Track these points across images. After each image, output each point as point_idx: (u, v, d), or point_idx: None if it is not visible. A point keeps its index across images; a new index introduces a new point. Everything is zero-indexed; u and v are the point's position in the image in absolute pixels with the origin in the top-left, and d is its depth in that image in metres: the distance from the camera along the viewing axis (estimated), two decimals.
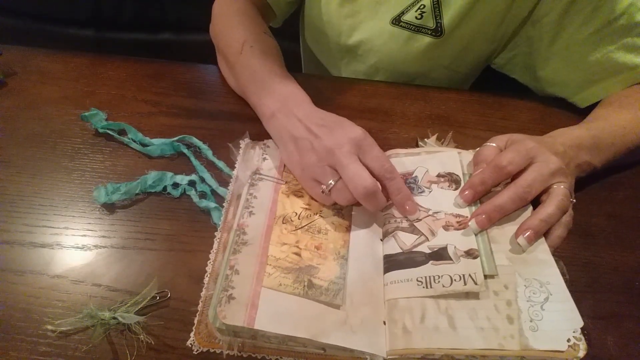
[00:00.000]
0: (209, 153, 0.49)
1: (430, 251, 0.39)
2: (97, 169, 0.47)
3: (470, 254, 0.38)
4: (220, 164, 0.48)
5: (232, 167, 0.47)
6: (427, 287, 0.37)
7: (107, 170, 0.47)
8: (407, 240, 0.41)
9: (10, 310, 0.37)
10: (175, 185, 0.46)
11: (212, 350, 0.34)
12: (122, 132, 0.51)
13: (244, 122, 0.53)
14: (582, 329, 0.34)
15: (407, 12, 0.58)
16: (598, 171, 0.48)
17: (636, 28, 0.50)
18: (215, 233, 0.41)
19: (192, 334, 0.35)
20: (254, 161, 0.47)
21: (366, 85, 0.61)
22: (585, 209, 0.47)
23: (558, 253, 0.40)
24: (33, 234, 0.41)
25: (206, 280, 0.38)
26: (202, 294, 0.37)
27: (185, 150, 0.49)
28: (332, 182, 0.41)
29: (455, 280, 0.37)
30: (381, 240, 0.42)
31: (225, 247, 0.39)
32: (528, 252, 0.39)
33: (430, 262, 0.38)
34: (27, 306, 0.37)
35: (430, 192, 0.44)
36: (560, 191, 0.41)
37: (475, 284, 0.36)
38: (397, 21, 0.59)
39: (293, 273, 0.38)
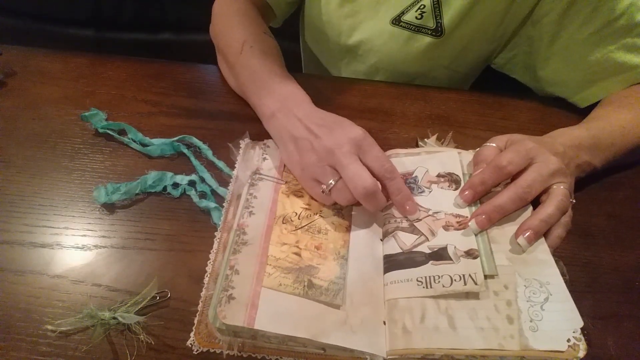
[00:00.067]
0: (209, 153, 0.49)
1: (430, 251, 0.39)
2: (97, 169, 0.47)
3: (470, 254, 0.38)
4: (220, 164, 0.48)
5: (232, 167, 0.47)
6: (427, 287, 0.37)
7: (107, 170, 0.47)
8: (407, 240, 0.41)
9: (10, 310, 0.37)
10: (175, 185, 0.46)
11: (212, 350, 0.34)
12: (122, 132, 0.51)
13: (244, 122, 0.53)
14: (582, 329, 0.34)
15: (407, 12, 0.58)
16: (598, 171, 0.48)
17: (636, 28, 0.50)
18: (215, 233, 0.41)
19: (192, 334, 0.35)
20: (254, 161, 0.47)
21: (366, 85, 0.61)
22: (585, 209, 0.47)
23: (558, 253, 0.40)
24: (33, 234, 0.41)
25: (206, 280, 0.38)
26: (202, 294, 0.37)
27: (185, 150, 0.49)
28: (332, 182, 0.41)
29: (455, 280, 0.37)
30: (381, 240, 0.42)
31: (225, 247, 0.39)
32: (528, 252, 0.39)
33: (430, 262, 0.38)
34: (27, 306, 0.37)
35: (430, 192, 0.44)
36: (560, 191, 0.41)
37: (475, 284, 0.36)
38: (397, 21, 0.59)
39: (293, 273, 0.38)
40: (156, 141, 0.49)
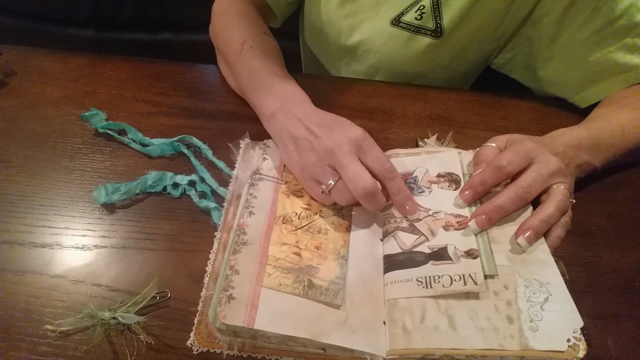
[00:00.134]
0: (209, 153, 0.49)
1: (430, 251, 0.39)
2: (97, 169, 0.47)
3: (470, 254, 0.38)
4: (220, 164, 0.48)
5: (232, 167, 0.47)
6: (427, 287, 0.37)
7: (107, 170, 0.47)
8: (407, 240, 0.41)
9: (10, 310, 0.37)
10: (175, 185, 0.46)
11: (212, 350, 0.34)
12: (122, 132, 0.51)
13: (244, 122, 0.53)
14: (582, 329, 0.34)
15: (406, 12, 0.58)
16: (598, 171, 0.48)
17: (636, 28, 0.50)
18: (215, 233, 0.41)
19: (192, 334, 0.35)
20: (254, 161, 0.47)
21: (366, 85, 0.61)
22: (585, 209, 0.47)
23: (558, 253, 0.40)
24: (33, 234, 0.41)
25: (206, 280, 0.38)
26: (202, 294, 0.37)
27: (185, 150, 0.49)
28: (332, 182, 0.41)
29: (455, 280, 0.37)
30: (381, 240, 0.42)
31: (225, 247, 0.39)
32: (528, 252, 0.39)
33: (430, 262, 0.38)
34: (27, 306, 0.37)
35: (430, 192, 0.44)
36: (560, 192, 0.41)
37: (475, 284, 0.36)
38: (396, 22, 0.59)
39: (293, 273, 0.38)
40: (156, 141, 0.49)
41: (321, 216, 0.43)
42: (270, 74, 0.51)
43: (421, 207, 0.43)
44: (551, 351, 0.33)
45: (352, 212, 0.44)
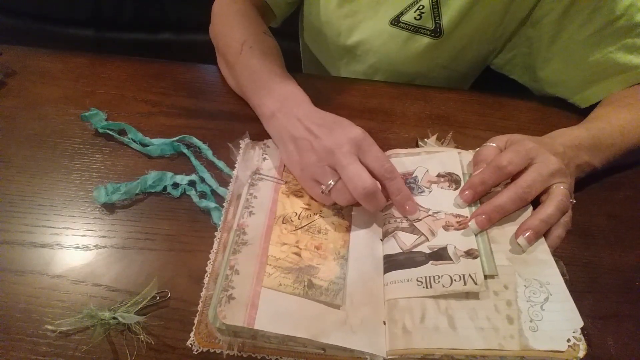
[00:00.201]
0: (209, 153, 0.49)
1: (430, 251, 0.39)
2: (97, 169, 0.47)
3: (470, 254, 0.38)
4: (220, 164, 0.48)
5: (232, 167, 0.47)
6: (427, 287, 0.37)
7: (107, 170, 0.47)
8: (407, 240, 0.41)
9: (10, 310, 0.37)
10: (175, 185, 0.46)
11: (212, 350, 0.34)
12: (122, 132, 0.51)
13: (244, 122, 0.53)
14: (582, 329, 0.34)
15: (406, 12, 0.58)
16: (598, 171, 0.48)
17: (636, 28, 0.50)
18: (215, 233, 0.41)
19: (192, 334, 0.35)
20: (254, 161, 0.47)
21: (366, 85, 0.61)
22: (585, 209, 0.47)
23: (558, 253, 0.40)
24: (33, 234, 0.41)
25: (206, 280, 0.38)
26: (202, 294, 0.37)
27: (185, 150, 0.49)
28: (332, 183, 0.41)
29: (455, 280, 0.37)
30: (381, 240, 0.42)
31: (225, 247, 0.39)
32: (528, 252, 0.39)
33: (430, 262, 0.38)
34: (27, 306, 0.37)
35: (430, 192, 0.44)
36: (560, 192, 0.41)
37: (475, 284, 0.36)
38: (396, 22, 0.59)
39: (293, 273, 0.38)
40: (156, 141, 0.49)
41: (321, 216, 0.43)
42: (270, 74, 0.51)
43: (421, 207, 0.43)
44: (551, 351, 0.33)
45: (352, 212, 0.44)
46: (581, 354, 0.33)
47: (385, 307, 0.37)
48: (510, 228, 0.40)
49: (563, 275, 0.37)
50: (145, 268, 0.40)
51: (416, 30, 0.58)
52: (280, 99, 0.48)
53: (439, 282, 0.37)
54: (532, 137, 0.45)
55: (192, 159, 0.48)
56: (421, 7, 0.56)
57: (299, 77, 0.53)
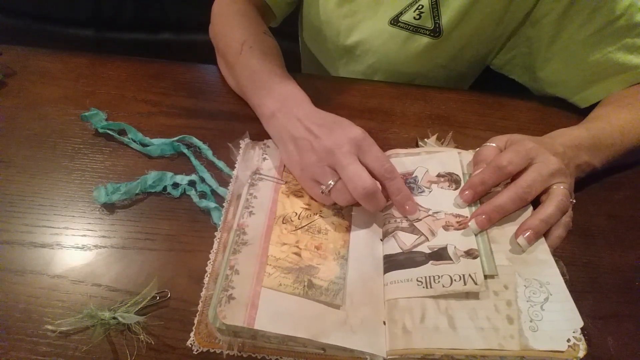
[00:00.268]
0: (209, 153, 0.49)
1: (430, 251, 0.39)
2: (97, 169, 0.47)
3: (470, 254, 0.38)
4: (220, 164, 0.48)
5: (232, 167, 0.47)
6: (427, 287, 0.37)
7: (107, 170, 0.47)
8: (407, 240, 0.41)
9: (10, 310, 0.37)
10: (175, 185, 0.46)
11: (212, 350, 0.34)
12: (122, 132, 0.51)
13: (244, 122, 0.53)
14: (582, 329, 0.34)
15: (405, 12, 0.58)
16: (598, 171, 0.48)
17: (636, 28, 0.50)
18: (215, 233, 0.41)
19: (192, 334, 0.35)
20: (254, 161, 0.47)
21: (366, 85, 0.61)
22: (585, 209, 0.47)
23: (558, 253, 0.40)
24: (33, 234, 0.41)
25: (206, 280, 0.38)
26: (202, 294, 0.37)
27: (185, 150, 0.49)
28: (332, 183, 0.41)
29: (455, 280, 0.37)
30: (381, 240, 0.42)
31: (225, 247, 0.39)
32: (528, 252, 0.39)
33: (430, 262, 0.38)
34: (27, 306, 0.37)
35: (430, 192, 0.44)
36: (560, 192, 0.41)
37: (475, 284, 0.36)
38: (395, 21, 0.59)
39: (293, 273, 0.38)
40: (156, 141, 0.49)
41: (321, 216, 0.43)
42: (270, 74, 0.51)
43: (421, 207, 0.43)
44: (551, 351, 0.33)
45: (352, 212, 0.44)
46: (581, 354, 0.33)
47: (385, 307, 0.37)
48: (510, 228, 0.40)
49: (563, 275, 0.37)
50: (145, 268, 0.40)
51: (415, 30, 0.58)
52: (280, 99, 0.48)
53: (439, 282, 0.37)
54: (532, 137, 0.45)
55: (192, 159, 0.48)
56: (420, 6, 0.56)
57: (298, 77, 0.53)
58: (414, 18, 0.57)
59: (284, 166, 0.47)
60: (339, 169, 0.40)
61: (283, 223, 0.42)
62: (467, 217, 0.41)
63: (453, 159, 0.47)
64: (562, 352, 0.33)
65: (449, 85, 0.64)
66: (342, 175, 0.40)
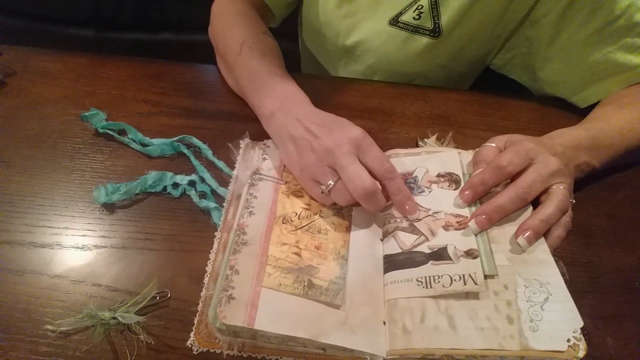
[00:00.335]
0: (209, 153, 0.49)
1: (430, 251, 0.39)
2: (97, 169, 0.47)
3: (470, 254, 0.38)
4: (220, 164, 0.48)
5: (232, 167, 0.47)
6: (427, 287, 0.37)
7: (107, 170, 0.47)
8: (407, 240, 0.41)
9: (10, 310, 0.37)
10: (175, 185, 0.46)
11: (212, 350, 0.34)
12: (122, 132, 0.51)
13: (244, 122, 0.53)
14: (582, 329, 0.34)
15: (404, 12, 0.58)
16: (597, 171, 0.48)
17: (635, 28, 0.50)
18: (215, 233, 0.41)
19: (192, 334, 0.35)
20: (254, 161, 0.47)
21: (366, 85, 0.61)
22: (585, 209, 0.47)
23: (558, 253, 0.40)
24: (33, 234, 0.41)
25: (206, 280, 0.38)
26: (202, 294, 0.37)
27: (185, 150, 0.49)
28: (332, 183, 0.41)
29: (455, 280, 0.37)
30: (381, 240, 0.42)
31: (225, 247, 0.39)
32: (528, 252, 0.39)
33: (430, 262, 0.38)
34: (27, 306, 0.37)
35: (430, 192, 0.44)
36: (559, 192, 0.41)
37: (475, 284, 0.36)
38: (394, 21, 0.59)
39: (293, 273, 0.38)
40: (156, 141, 0.49)
41: (321, 216, 0.43)
42: (269, 74, 0.51)
43: (421, 207, 0.43)
44: (551, 351, 0.33)
45: (352, 212, 0.44)
46: (581, 354, 0.33)
47: (385, 307, 0.37)
48: (510, 228, 0.40)
49: (563, 275, 0.37)
50: (145, 268, 0.40)
51: (415, 30, 0.58)
52: (280, 99, 0.48)
53: (439, 282, 0.37)
54: (531, 137, 0.45)
55: (192, 159, 0.48)
56: (420, 7, 0.56)
57: (298, 77, 0.52)
58: (414, 18, 0.57)
59: (284, 166, 0.47)
60: (339, 169, 0.40)
61: (283, 223, 0.42)
62: (467, 217, 0.41)
63: (453, 159, 0.47)
64: (562, 352, 0.33)
65: (449, 85, 0.64)
66: (342, 175, 0.40)
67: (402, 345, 0.34)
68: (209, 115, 0.54)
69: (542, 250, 0.39)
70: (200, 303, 0.36)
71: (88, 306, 0.35)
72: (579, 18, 0.52)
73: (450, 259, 0.38)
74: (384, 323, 0.36)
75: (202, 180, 0.47)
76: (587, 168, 0.46)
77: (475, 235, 0.40)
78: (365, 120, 0.55)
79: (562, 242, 0.40)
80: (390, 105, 0.58)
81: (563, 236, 0.40)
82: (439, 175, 0.46)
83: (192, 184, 0.46)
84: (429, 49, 0.59)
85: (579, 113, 0.56)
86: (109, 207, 0.44)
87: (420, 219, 0.42)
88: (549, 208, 0.40)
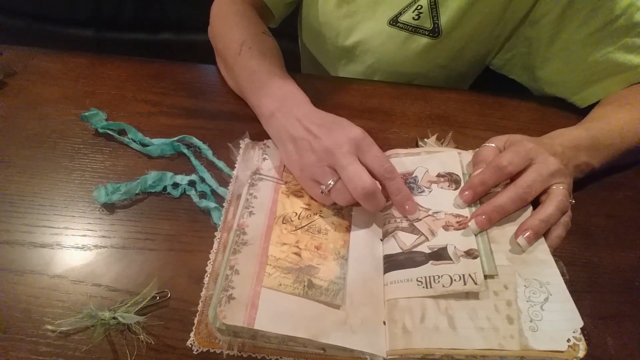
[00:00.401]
0: (209, 153, 0.49)
1: (430, 251, 0.39)
2: (97, 169, 0.47)
3: (470, 254, 0.38)
4: (220, 164, 0.48)
5: (232, 167, 0.47)
6: (427, 287, 0.37)
7: (107, 170, 0.47)
8: (407, 240, 0.41)
9: (10, 310, 0.37)
10: (175, 185, 0.46)
11: (212, 350, 0.34)
12: (122, 132, 0.51)
13: (244, 122, 0.53)
14: (582, 329, 0.34)
15: (404, 12, 0.58)
16: (597, 171, 0.48)
17: (635, 28, 0.50)
18: (215, 233, 0.41)
19: (192, 334, 0.35)
20: (254, 161, 0.47)
21: (366, 85, 0.61)
22: (585, 209, 0.47)
23: (558, 253, 0.40)
24: (33, 234, 0.41)
25: (206, 280, 0.38)
26: (202, 294, 0.37)
27: (185, 150, 0.49)
28: (332, 183, 0.41)
29: (455, 280, 0.37)
30: (381, 240, 0.42)
31: (225, 247, 0.39)
32: (528, 252, 0.39)
33: (430, 262, 0.39)
34: (27, 306, 0.37)
35: (430, 192, 0.44)
36: (559, 192, 0.41)
37: (475, 284, 0.36)
38: (394, 22, 0.59)
39: (293, 273, 0.38)
40: (156, 141, 0.49)
41: (321, 216, 0.43)
42: (269, 74, 0.51)
43: (421, 207, 0.43)
44: (551, 351, 0.33)
45: (352, 212, 0.44)
46: (581, 354, 0.33)
47: (385, 307, 0.37)
48: (510, 228, 0.40)
49: (563, 275, 0.37)
50: (145, 268, 0.40)
51: (414, 30, 0.58)
52: (280, 99, 0.48)
53: (439, 282, 0.37)
54: (531, 137, 0.45)
55: (192, 159, 0.48)
56: (419, 7, 0.56)
57: (298, 77, 0.52)
58: (413, 18, 0.57)
59: (284, 166, 0.47)
60: (339, 169, 0.40)
61: (283, 223, 0.42)
62: (467, 217, 0.41)
63: (453, 159, 0.47)
64: (562, 352, 0.33)
65: (448, 85, 0.64)
66: (341, 175, 0.40)
67: (402, 345, 0.34)
68: (209, 115, 0.54)
69: (542, 250, 0.39)
70: (200, 303, 0.36)
71: (88, 306, 0.35)
72: (578, 18, 0.52)
73: (450, 259, 0.38)
74: (384, 323, 0.36)
75: (202, 180, 0.47)
76: (586, 168, 0.46)
77: (475, 235, 0.40)
78: (365, 120, 0.55)
79: (562, 242, 0.40)
80: (390, 105, 0.58)
81: (563, 236, 0.40)
82: (439, 175, 0.46)
83: (192, 184, 0.46)
84: (428, 49, 0.59)
85: (578, 113, 0.56)
86: (109, 207, 0.44)
87: (420, 219, 0.42)
88: (549, 208, 0.40)
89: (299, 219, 0.42)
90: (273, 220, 0.42)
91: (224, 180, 0.47)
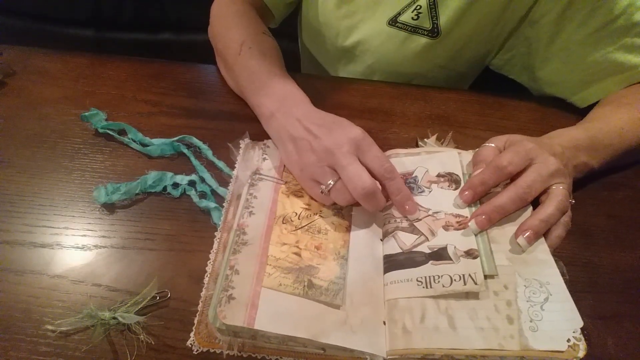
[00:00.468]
0: (209, 153, 0.49)
1: (430, 251, 0.39)
2: (97, 169, 0.47)
3: (470, 254, 0.38)
4: (220, 164, 0.48)
5: (232, 167, 0.47)
6: (427, 287, 0.37)
7: (107, 170, 0.47)
8: (407, 240, 0.41)
9: (10, 310, 0.37)
10: (175, 185, 0.46)
11: (212, 350, 0.34)
12: (122, 132, 0.51)
13: (244, 122, 0.53)
14: (582, 329, 0.34)
15: (403, 12, 0.58)
16: (596, 172, 0.48)
17: (635, 28, 0.50)
18: (215, 233, 0.41)
19: (192, 334, 0.35)
20: (254, 161, 0.47)
21: (366, 85, 0.61)
22: (585, 209, 0.47)
23: (558, 253, 0.40)
24: (33, 234, 0.41)
25: (206, 280, 0.38)
26: (202, 294, 0.37)
27: (185, 150, 0.49)
28: (332, 183, 0.41)
29: (455, 280, 0.37)
30: (381, 240, 0.42)
31: (225, 247, 0.39)
32: (528, 252, 0.39)
33: (430, 262, 0.39)
34: (27, 306, 0.37)
35: (430, 192, 0.44)
36: (559, 192, 0.41)
37: (475, 284, 0.36)
38: (393, 22, 0.59)
39: (293, 273, 0.38)
40: (156, 141, 0.49)
41: (321, 216, 0.43)
42: (269, 75, 0.51)
43: (421, 207, 0.43)
44: (551, 351, 0.33)
45: (352, 212, 0.44)
46: (581, 354, 0.33)
47: (385, 307, 0.37)
48: (510, 228, 0.40)
49: (563, 275, 0.37)
50: (145, 268, 0.40)
51: (414, 30, 0.58)
52: (279, 99, 0.48)
53: (439, 282, 0.37)
54: (531, 137, 0.45)
55: (192, 159, 0.49)
56: (418, 7, 0.57)
57: (298, 77, 0.53)
58: (412, 18, 0.57)
59: (284, 166, 0.47)
60: (339, 169, 0.40)
61: (283, 223, 0.42)
62: (467, 217, 0.41)
63: (453, 159, 0.47)
64: (562, 352, 0.33)
65: (448, 85, 0.64)
66: (341, 175, 0.40)
67: (402, 345, 0.34)
68: (209, 115, 0.54)
69: (542, 250, 0.39)
70: (200, 303, 0.36)
71: (88, 306, 0.35)
72: (578, 18, 0.52)
73: (450, 259, 0.38)
74: (384, 323, 0.36)
75: (202, 180, 0.47)
76: (585, 168, 0.46)
77: (475, 235, 0.40)
78: (365, 120, 0.55)
79: (562, 242, 0.40)
80: (390, 105, 0.58)
81: (563, 236, 0.40)
82: (439, 175, 0.46)
83: (192, 184, 0.46)
84: (427, 49, 0.59)
85: (578, 113, 0.56)
86: (109, 207, 0.44)
87: (420, 219, 0.42)
88: (548, 208, 0.40)
89: (299, 219, 0.42)
90: (273, 220, 0.42)
91: (224, 180, 0.47)
